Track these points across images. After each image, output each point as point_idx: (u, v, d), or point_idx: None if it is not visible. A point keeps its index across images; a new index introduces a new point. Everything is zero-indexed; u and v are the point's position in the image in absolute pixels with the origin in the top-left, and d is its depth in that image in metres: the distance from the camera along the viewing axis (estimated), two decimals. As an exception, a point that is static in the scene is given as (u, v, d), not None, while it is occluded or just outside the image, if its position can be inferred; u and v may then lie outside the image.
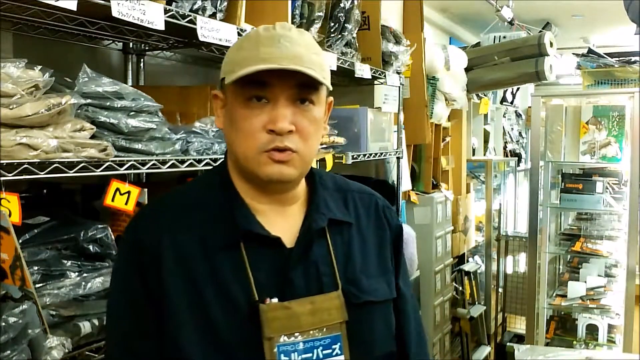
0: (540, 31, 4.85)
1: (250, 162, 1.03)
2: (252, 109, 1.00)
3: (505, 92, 6.11)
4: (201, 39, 1.71)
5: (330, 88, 1.06)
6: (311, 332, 1.02)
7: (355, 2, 2.56)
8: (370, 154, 2.71)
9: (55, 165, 1.34)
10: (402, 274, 1.20)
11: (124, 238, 1.12)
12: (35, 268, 1.39)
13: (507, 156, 6.10)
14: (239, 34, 1.88)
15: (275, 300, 1.01)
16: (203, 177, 1.22)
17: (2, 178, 1.25)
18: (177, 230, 1.03)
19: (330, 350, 1.03)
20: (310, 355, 1.02)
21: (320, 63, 1.03)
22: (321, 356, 1.02)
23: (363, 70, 2.67)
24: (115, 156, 1.49)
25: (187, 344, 0.99)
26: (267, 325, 0.99)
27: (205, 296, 1.00)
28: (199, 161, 1.76)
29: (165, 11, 1.59)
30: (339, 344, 1.04)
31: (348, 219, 1.13)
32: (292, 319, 1.01)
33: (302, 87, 1.01)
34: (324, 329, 1.03)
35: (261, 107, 1.00)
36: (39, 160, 1.30)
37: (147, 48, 2.19)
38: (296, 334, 1.01)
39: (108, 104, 1.50)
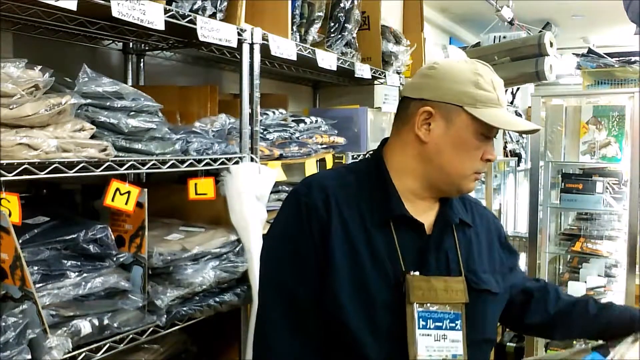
0: (540, 31, 4.85)
1: (462, 179, 1.28)
2: (481, 142, 1.28)
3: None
4: (201, 39, 1.72)
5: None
6: (442, 305, 1.23)
7: (355, 2, 2.56)
8: (371, 154, 2.71)
9: (55, 165, 1.34)
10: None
11: (295, 199, 1.27)
12: (35, 268, 1.38)
13: (507, 156, 6.09)
14: (239, 34, 1.88)
15: (417, 273, 1.22)
16: (357, 167, 1.38)
17: (2, 178, 1.25)
18: (341, 201, 1.25)
19: (454, 325, 1.23)
20: (440, 324, 1.22)
21: None
22: (447, 328, 1.23)
23: (363, 70, 2.67)
24: (115, 156, 1.49)
25: (343, 296, 1.18)
26: (412, 293, 1.20)
27: (362, 260, 1.21)
28: (199, 161, 1.76)
29: (165, 11, 1.59)
30: (459, 321, 1.23)
31: (470, 222, 1.36)
32: (431, 291, 1.22)
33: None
34: (451, 306, 1.23)
35: (485, 141, 1.28)
36: (39, 160, 1.30)
37: (147, 48, 2.19)
38: (430, 304, 1.22)
39: (108, 104, 1.50)
